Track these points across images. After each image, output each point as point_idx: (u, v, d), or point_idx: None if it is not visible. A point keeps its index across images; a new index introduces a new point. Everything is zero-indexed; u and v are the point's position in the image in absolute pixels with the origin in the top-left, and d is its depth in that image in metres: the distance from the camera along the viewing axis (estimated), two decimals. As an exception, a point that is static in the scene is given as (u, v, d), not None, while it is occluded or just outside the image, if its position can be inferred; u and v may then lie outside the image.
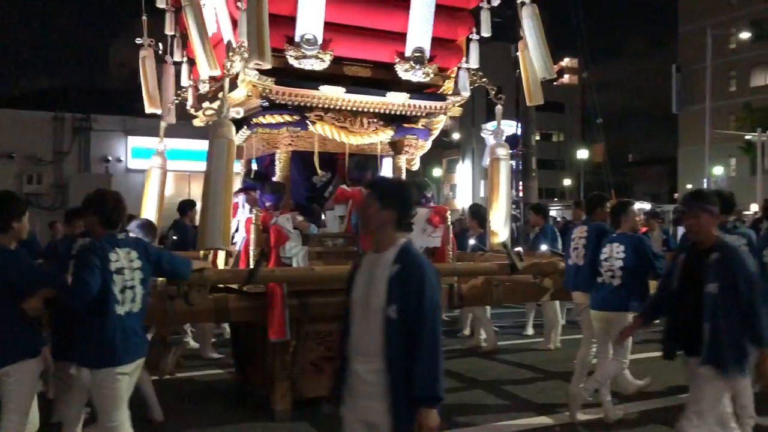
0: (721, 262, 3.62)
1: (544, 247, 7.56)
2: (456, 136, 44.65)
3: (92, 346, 3.56)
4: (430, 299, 2.69)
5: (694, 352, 3.64)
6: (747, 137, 30.06)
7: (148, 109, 6.26)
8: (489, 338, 8.25)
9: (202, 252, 6.39)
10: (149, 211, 6.13)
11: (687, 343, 3.75)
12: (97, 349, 3.54)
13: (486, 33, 5.99)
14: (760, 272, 4.27)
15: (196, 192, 22.12)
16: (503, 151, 5.78)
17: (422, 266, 2.73)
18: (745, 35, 38.38)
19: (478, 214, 8.32)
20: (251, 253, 5.09)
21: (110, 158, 21.27)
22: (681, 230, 17.93)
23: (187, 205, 8.04)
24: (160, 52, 6.54)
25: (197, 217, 6.52)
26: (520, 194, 15.02)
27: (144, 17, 6.20)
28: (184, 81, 6.58)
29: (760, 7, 43.25)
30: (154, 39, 6.39)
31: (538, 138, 15.88)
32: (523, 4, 5.66)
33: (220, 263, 5.68)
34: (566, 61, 71.53)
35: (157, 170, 6.23)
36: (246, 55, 4.94)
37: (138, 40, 6.20)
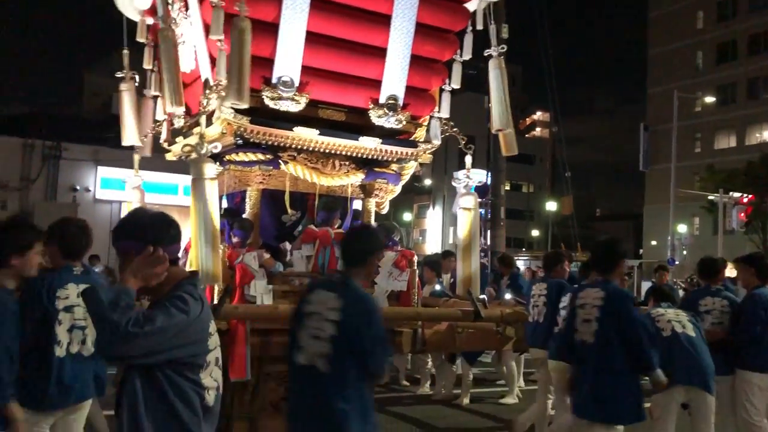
0: None
1: (508, 296, 7.65)
2: (428, 182, 45.11)
3: (26, 386, 3.34)
4: None
5: None
6: (710, 197, 30.85)
7: (125, 142, 6.24)
8: (446, 384, 8.24)
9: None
10: None
11: None
12: (28, 389, 3.34)
13: (457, 85, 6.16)
14: None
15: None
16: (471, 201, 5.88)
17: None
18: (710, 99, 39.73)
19: (435, 264, 8.52)
20: (216, 290, 5.07)
21: (78, 187, 21.04)
22: (646, 285, 18.23)
23: None
24: (137, 84, 6.56)
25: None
26: (488, 243, 15.16)
27: (125, 50, 6.22)
28: (159, 115, 6.60)
29: (725, 74, 45.03)
30: (135, 71, 6.40)
31: (507, 188, 16.13)
32: (490, 56, 5.85)
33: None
34: (538, 115, 73.22)
35: (136, 205, 6.22)
36: (223, 94, 5.01)
37: (119, 74, 6.22)
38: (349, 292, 3.28)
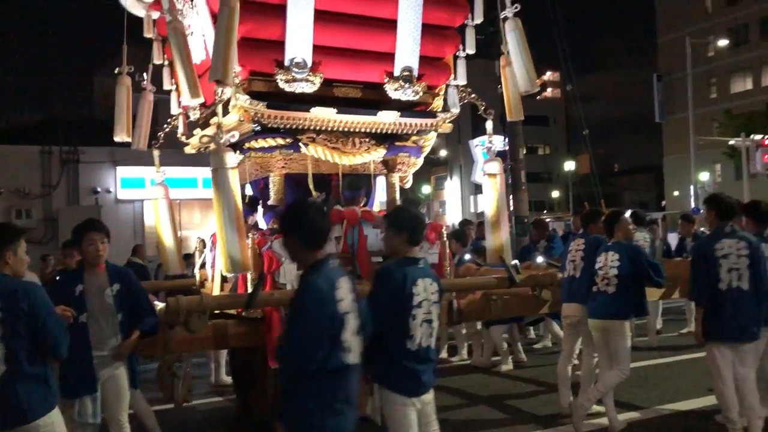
0: None
1: (539, 259, 7.59)
2: (443, 153, 44.87)
3: None
4: None
5: None
6: (731, 142, 30.31)
7: (117, 138, 6.27)
8: (485, 353, 8.23)
9: (198, 279, 6.41)
10: (168, 243, 6.18)
11: None
12: None
13: (471, 50, 6.07)
14: None
15: (185, 219, 22.03)
16: (497, 166, 5.81)
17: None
18: (723, 42, 38.84)
19: (460, 234, 8.54)
20: (249, 278, 5.07)
21: (99, 189, 21.13)
22: (672, 236, 18.04)
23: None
24: (146, 82, 6.53)
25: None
26: (511, 208, 15.06)
27: (125, 46, 6.18)
28: (174, 109, 6.58)
29: (737, 14, 43.97)
30: (133, 67, 6.36)
31: (524, 152, 15.92)
32: (506, 18, 5.74)
33: (215, 290, 5.66)
34: (548, 75, 72.12)
35: (163, 201, 6.23)
36: (237, 81, 4.97)
37: (117, 69, 6.21)
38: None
